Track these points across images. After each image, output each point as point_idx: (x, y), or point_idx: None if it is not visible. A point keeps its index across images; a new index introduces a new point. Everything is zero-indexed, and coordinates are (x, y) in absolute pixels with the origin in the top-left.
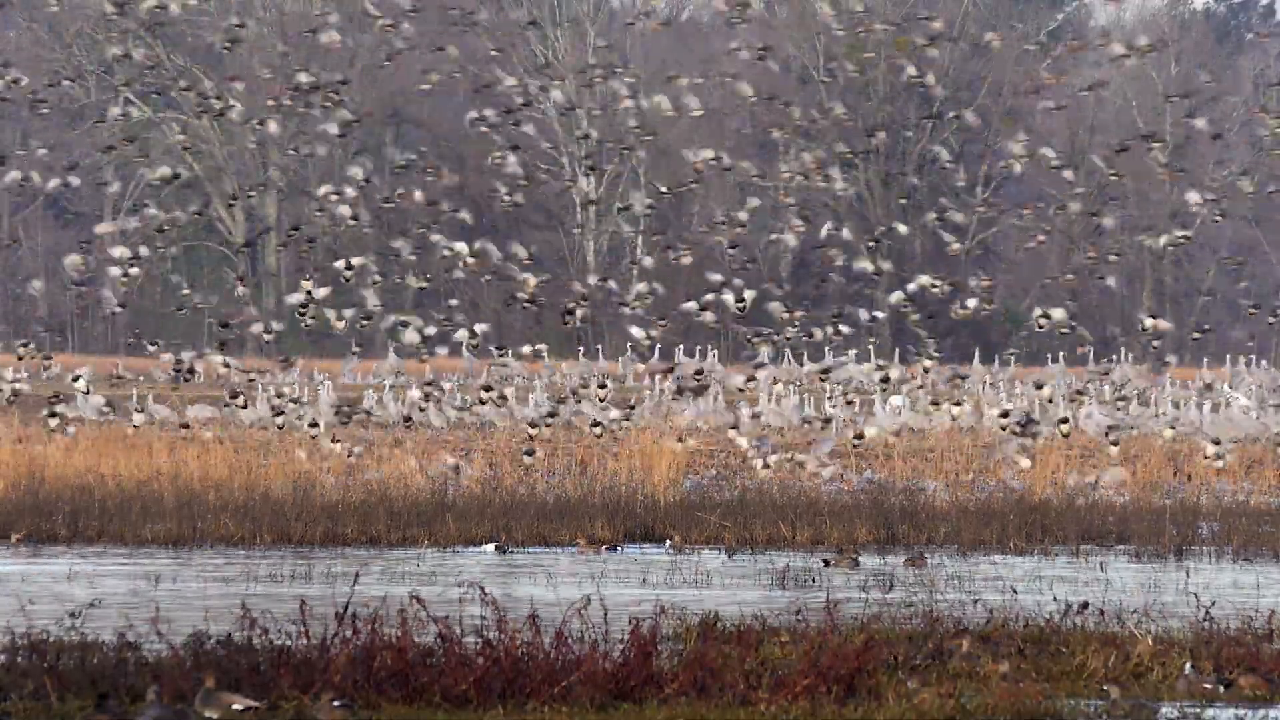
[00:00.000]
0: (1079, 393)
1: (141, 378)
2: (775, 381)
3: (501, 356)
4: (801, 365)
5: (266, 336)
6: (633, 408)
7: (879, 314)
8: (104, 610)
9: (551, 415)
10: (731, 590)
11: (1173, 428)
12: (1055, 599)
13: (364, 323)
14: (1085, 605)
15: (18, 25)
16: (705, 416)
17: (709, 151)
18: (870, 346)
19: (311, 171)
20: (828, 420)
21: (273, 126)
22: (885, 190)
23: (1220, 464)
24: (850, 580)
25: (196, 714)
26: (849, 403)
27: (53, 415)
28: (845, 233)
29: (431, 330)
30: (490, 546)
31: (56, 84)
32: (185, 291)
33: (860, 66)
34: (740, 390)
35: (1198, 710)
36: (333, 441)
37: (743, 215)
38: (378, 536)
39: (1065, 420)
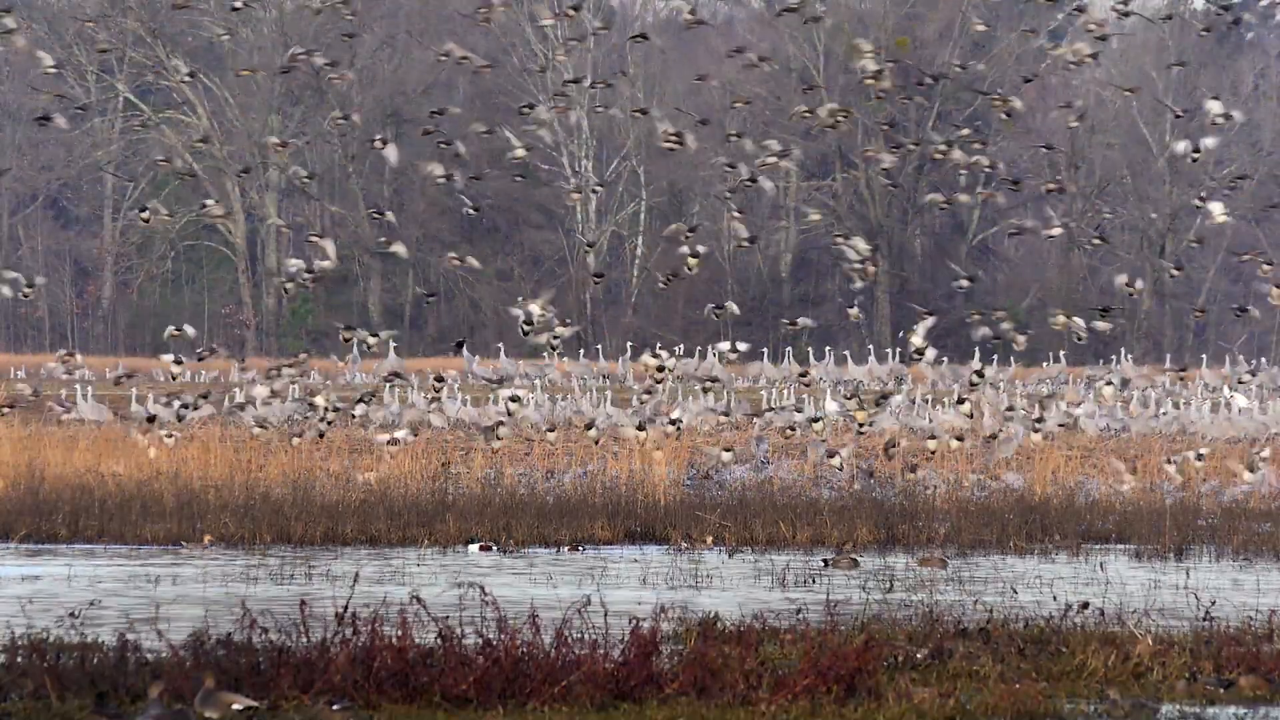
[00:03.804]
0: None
1: (141, 377)
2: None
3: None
4: (804, 364)
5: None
6: (675, 424)
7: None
8: (104, 610)
9: (551, 429)
10: (731, 590)
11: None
12: (1055, 599)
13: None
14: (1085, 605)
15: (17, 25)
16: (705, 415)
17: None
18: (870, 346)
19: (314, 165)
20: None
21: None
22: (885, 190)
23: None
24: (850, 580)
25: (196, 714)
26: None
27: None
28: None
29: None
30: (474, 546)
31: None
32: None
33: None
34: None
35: (1198, 710)
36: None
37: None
38: (378, 536)
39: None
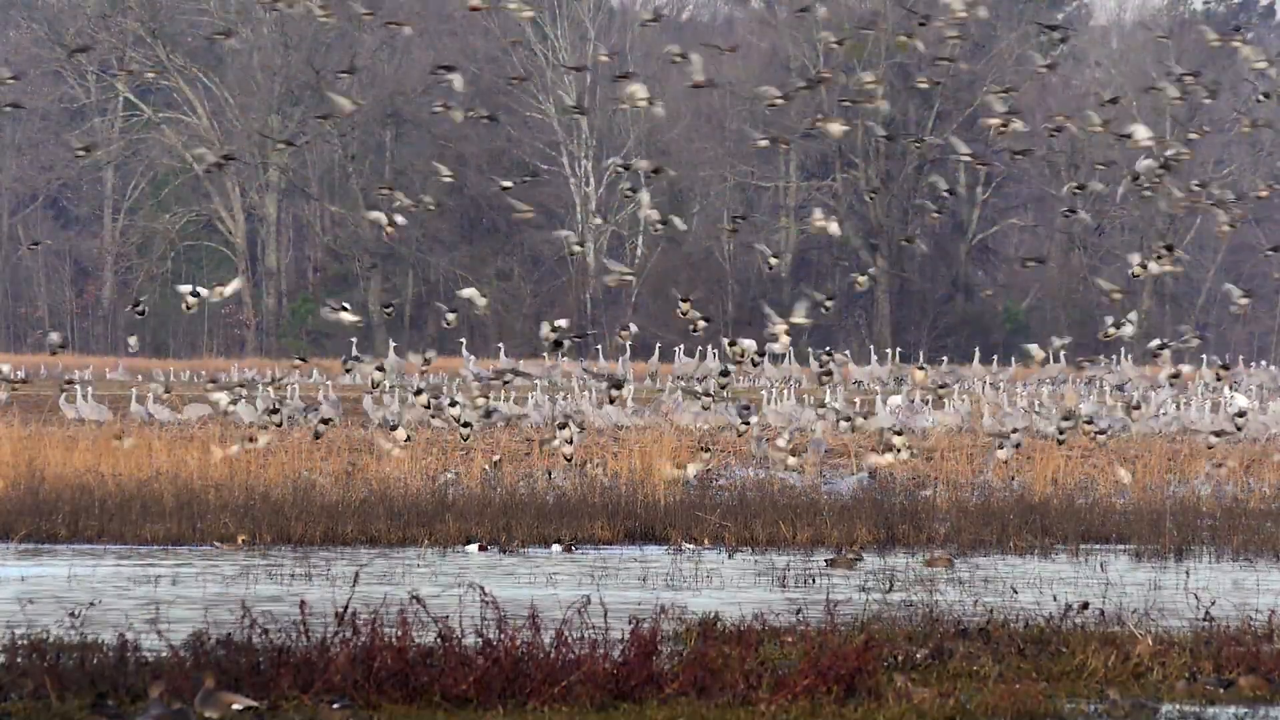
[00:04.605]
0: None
1: (140, 377)
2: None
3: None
4: (805, 364)
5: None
6: None
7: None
8: (104, 610)
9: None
10: (731, 590)
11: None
12: (1055, 599)
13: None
14: (1085, 605)
15: (18, 25)
16: (705, 417)
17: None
18: (870, 346)
19: (311, 172)
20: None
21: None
22: (885, 190)
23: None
24: (850, 580)
25: (196, 714)
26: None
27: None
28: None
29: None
30: (473, 546)
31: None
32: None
33: (861, 65)
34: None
35: (1198, 710)
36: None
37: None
38: (378, 536)
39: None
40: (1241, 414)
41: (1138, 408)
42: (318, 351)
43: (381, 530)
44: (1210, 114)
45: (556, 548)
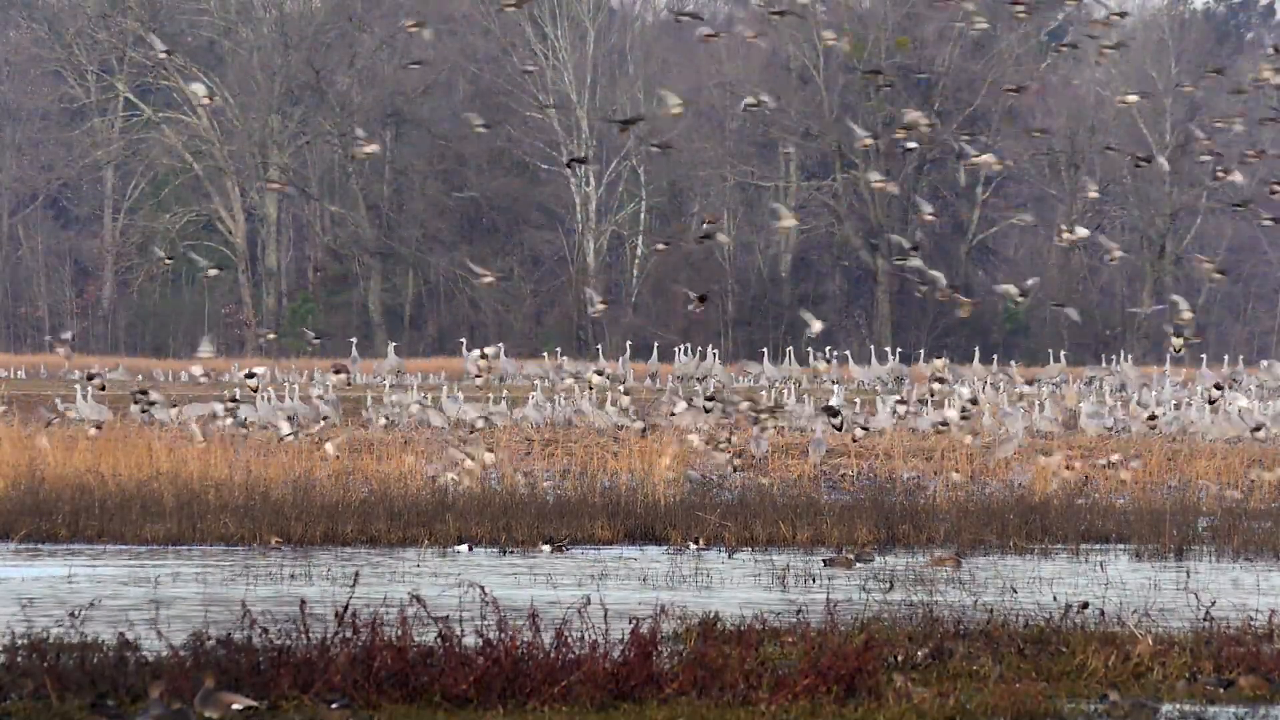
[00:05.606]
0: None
1: (140, 377)
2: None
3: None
4: (804, 365)
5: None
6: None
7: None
8: (104, 610)
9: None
10: (731, 590)
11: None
12: (1055, 599)
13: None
14: (1085, 605)
15: (18, 25)
16: (706, 418)
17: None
18: (870, 345)
19: (311, 171)
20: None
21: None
22: (885, 190)
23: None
24: (850, 580)
25: (196, 714)
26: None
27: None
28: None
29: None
30: (463, 546)
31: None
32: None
33: (861, 66)
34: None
35: (1198, 710)
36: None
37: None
38: (378, 536)
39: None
40: (1259, 428)
41: (1154, 418)
42: (318, 352)
43: (381, 530)
44: (1210, 111)
45: (546, 548)
